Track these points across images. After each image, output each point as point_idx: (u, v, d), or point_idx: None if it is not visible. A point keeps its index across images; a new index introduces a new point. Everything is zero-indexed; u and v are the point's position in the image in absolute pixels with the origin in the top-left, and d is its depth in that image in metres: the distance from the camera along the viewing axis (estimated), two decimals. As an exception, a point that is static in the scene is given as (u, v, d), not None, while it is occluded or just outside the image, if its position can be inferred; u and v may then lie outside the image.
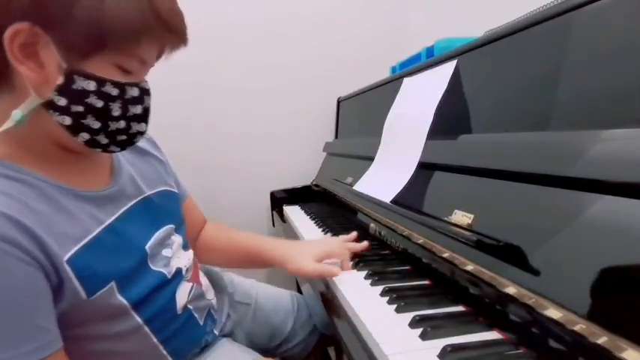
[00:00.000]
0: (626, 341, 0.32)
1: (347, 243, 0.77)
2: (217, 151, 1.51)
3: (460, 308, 0.55)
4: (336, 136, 1.58)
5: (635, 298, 0.33)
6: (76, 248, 0.48)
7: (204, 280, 0.73)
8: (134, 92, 0.51)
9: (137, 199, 0.60)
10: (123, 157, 0.63)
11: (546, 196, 0.46)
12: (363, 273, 0.68)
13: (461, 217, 0.57)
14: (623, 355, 0.32)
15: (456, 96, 0.73)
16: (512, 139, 0.57)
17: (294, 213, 1.30)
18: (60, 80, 0.45)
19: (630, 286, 0.34)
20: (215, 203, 1.48)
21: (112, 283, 0.51)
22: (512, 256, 0.46)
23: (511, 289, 0.44)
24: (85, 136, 0.49)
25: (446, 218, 0.60)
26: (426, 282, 0.64)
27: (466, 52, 0.72)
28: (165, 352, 0.59)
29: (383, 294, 0.60)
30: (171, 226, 0.65)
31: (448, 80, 0.73)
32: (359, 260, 0.74)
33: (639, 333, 0.32)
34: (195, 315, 0.65)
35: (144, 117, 0.54)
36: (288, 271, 0.71)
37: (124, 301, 0.52)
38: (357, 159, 1.13)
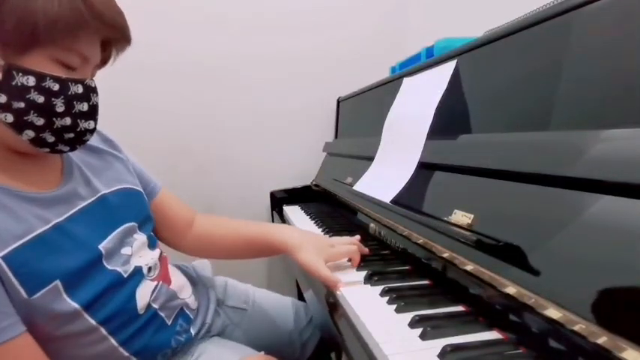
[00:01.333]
0: (626, 341, 0.32)
1: (353, 241, 0.75)
2: (217, 151, 1.51)
3: (460, 308, 0.55)
4: (336, 136, 1.58)
5: (635, 298, 0.33)
6: (14, 245, 0.48)
7: (177, 278, 0.70)
8: (78, 89, 0.51)
9: (92, 199, 0.60)
10: (75, 158, 0.62)
11: (546, 196, 0.46)
12: (363, 273, 0.68)
13: (461, 217, 0.57)
14: (623, 355, 0.32)
15: (456, 96, 0.73)
16: (512, 139, 0.57)
17: (294, 213, 1.30)
18: None
19: (630, 286, 0.34)
20: (215, 203, 1.48)
21: (57, 282, 0.50)
22: (512, 256, 0.46)
23: (511, 289, 0.44)
24: (30, 133, 0.49)
25: (446, 218, 0.60)
26: (426, 282, 0.64)
27: (466, 52, 0.72)
28: (127, 354, 0.57)
29: (383, 294, 0.60)
30: (132, 224, 0.64)
31: (448, 80, 0.73)
32: (359, 260, 0.74)
33: (639, 333, 0.32)
34: (162, 314, 0.63)
35: (91, 114, 0.54)
36: (295, 260, 0.68)
37: (74, 304, 0.51)
38: (357, 159, 1.13)
